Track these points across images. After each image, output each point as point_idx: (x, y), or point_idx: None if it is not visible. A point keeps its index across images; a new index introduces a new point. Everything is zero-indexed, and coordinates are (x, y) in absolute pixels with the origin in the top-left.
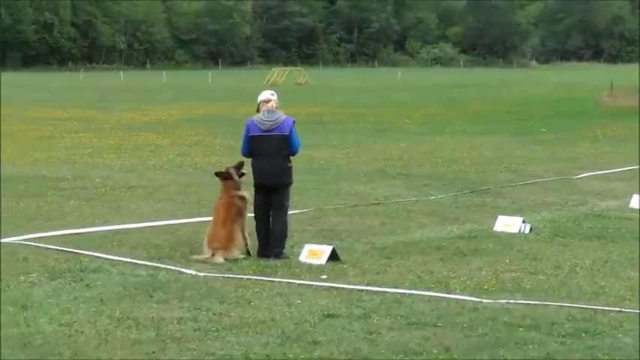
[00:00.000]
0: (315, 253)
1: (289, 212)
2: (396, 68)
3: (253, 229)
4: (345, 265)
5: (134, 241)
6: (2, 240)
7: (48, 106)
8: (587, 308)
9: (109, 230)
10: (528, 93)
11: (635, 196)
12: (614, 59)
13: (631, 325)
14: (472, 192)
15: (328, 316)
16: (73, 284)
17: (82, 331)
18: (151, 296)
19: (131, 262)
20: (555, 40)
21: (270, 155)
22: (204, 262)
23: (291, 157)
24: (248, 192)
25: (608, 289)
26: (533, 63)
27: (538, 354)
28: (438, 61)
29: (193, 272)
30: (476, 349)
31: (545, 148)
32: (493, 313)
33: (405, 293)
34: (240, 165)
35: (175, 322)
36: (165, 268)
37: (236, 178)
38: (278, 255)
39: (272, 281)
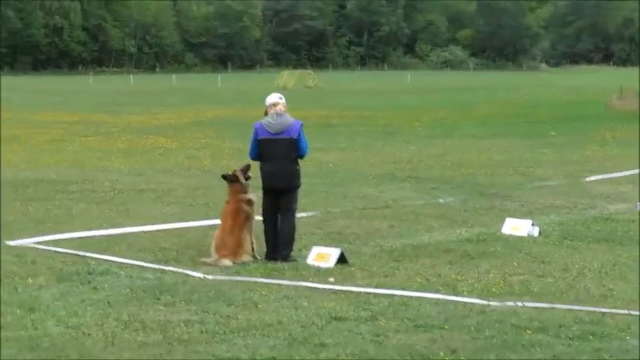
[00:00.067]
0: (323, 256)
1: (297, 215)
2: (405, 71)
3: (261, 232)
4: (352, 268)
5: (142, 244)
6: (11, 243)
7: (58, 109)
8: (594, 311)
9: (117, 233)
10: (538, 96)
11: None
12: (624, 62)
13: (638, 327)
14: (481, 195)
15: (335, 318)
16: (81, 287)
17: (89, 334)
18: (158, 299)
19: (139, 265)
20: (565, 43)
21: (279, 158)
22: (212, 264)
23: (299, 160)
24: (255, 195)
25: (616, 291)
26: (543, 66)
27: (545, 356)
28: (448, 64)
29: (201, 275)
30: (483, 352)
31: (555, 151)
32: (500, 315)
33: (412, 296)
34: (247, 168)
35: (182, 324)
36: (173, 271)
37: (243, 180)
38: (285, 258)
39: (279, 284)
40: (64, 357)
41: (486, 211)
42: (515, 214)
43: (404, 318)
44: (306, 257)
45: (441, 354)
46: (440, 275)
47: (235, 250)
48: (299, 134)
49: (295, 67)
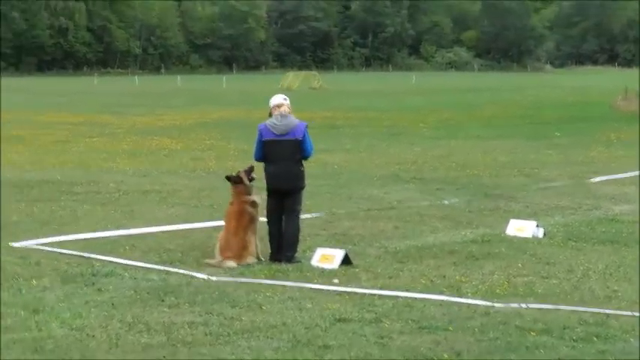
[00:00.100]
0: (327, 258)
1: (302, 216)
2: (410, 72)
3: (265, 234)
4: (357, 270)
5: (147, 246)
6: (15, 244)
7: (62, 110)
8: (599, 312)
9: (121, 235)
10: (543, 97)
11: None
12: (629, 63)
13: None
14: (486, 196)
15: (339, 320)
16: (85, 288)
17: (93, 336)
18: (163, 300)
19: (143, 267)
20: (570, 44)
21: (283, 160)
22: (216, 265)
23: (303, 162)
24: (259, 196)
25: (621, 293)
26: (548, 67)
27: (549, 358)
28: (453, 65)
29: (205, 276)
30: (487, 354)
31: (559, 152)
32: (505, 317)
33: (416, 297)
34: (251, 169)
35: (186, 326)
36: (177, 273)
37: (246, 182)
38: (290, 259)
39: (284, 285)
40: (68, 359)
41: (491, 212)
42: (519, 216)
43: (408, 320)
44: (310, 259)
45: (445, 356)
46: (444, 277)
47: (240, 253)
48: (304, 135)
49: (300, 68)
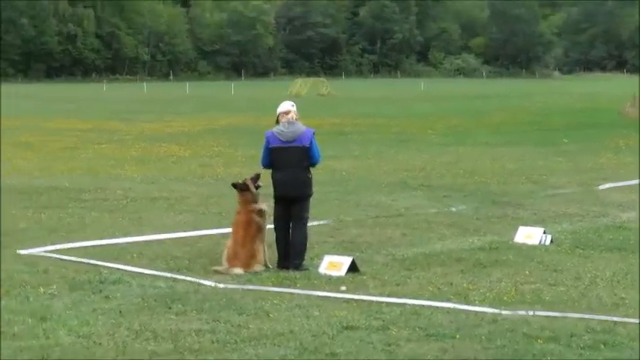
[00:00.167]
0: (334, 265)
1: (309, 223)
2: (418, 79)
3: (273, 241)
4: (364, 277)
5: (154, 253)
6: (23, 252)
7: (71, 117)
8: (606, 320)
9: (129, 242)
10: (551, 103)
11: None
12: (637, 69)
13: None
14: (493, 203)
15: (347, 327)
16: (93, 296)
17: (100, 343)
18: (170, 308)
19: (151, 274)
20: (578, 50)
21: (291, 167)
22: (223, 272)
23: (311, 169)
24: (266, 203)
25: (629, 300)
26: (556, 73)
27: None
28: (461, 72)
29: (212, 284)
30: None
31: (568, 159)
32: (512, 324)
33: (424, 305)
34: (257, 177)
35: (193, 333)
36: (185, 280)
37: (253, 190)
38: (297, 267)
39: (291, 293)
40: None
41: (499, 219)
42: (527, 223)
43: (415, 327)
44: (318, 266)
45: None
46: (452, 284)
47: (248, 262)
48: (311, 142)
49: (308, 74)
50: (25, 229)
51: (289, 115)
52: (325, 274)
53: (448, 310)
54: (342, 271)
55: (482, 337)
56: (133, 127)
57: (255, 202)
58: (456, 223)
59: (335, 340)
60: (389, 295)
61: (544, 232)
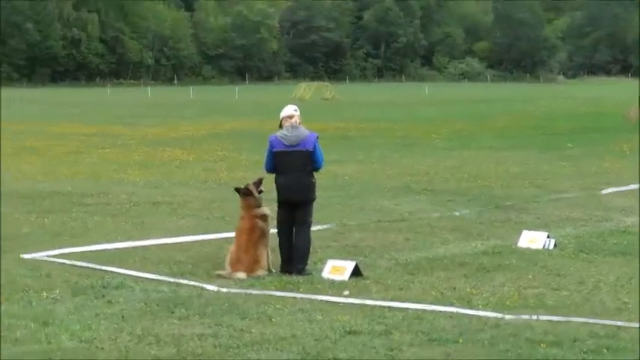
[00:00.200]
0: (337, 269)
1: (312, 228)
2: (423, 83)
3: (276, 245)
4: (367, 281)
5: (157, 258)
6: (26, 256)
7: (75, 121)
8: (609, 324)
9: (132, 246)
10: (555, 108)
11: None
12: None
13: None
14: (497, 207)
15: (349, 332)
16: (95, 301)
17: (102, 348)
18: (173, 312)
19: (153, 279)
20: (583, 54)
21: (294, 171)
22: (226, 277)
23: (314, 173)
24: (269, 208)
25: (632, 305)
26: (561, 78)
27: None
28: (465, 76)
29: (215, 288)
30: None
31: (572, 163)
32: (515, 329)
33: (427, 309)
34: (259, 182)
35: (196, 338)
36: (187, 284)
37: (256, 194)
38: (301, 271)
39: (294, 297)
40: None
41: (502, 223)
42: (531, 227)
43: (418, 332)
44: (321, 270)
45: None
46: (455, 288)
47: (251, 267)
48: (314, 146)
49: (312, 79)
50: (29, 234)
51: (292, 120)
52: (328, 279)
53: (451, 315)
54: (345, 276)
55: (485, 342)
56: (137, 131)
57: (259, 206)
58: (459, 228)
59: (337, 344)
60: (392, 300)
61: (547, 237)
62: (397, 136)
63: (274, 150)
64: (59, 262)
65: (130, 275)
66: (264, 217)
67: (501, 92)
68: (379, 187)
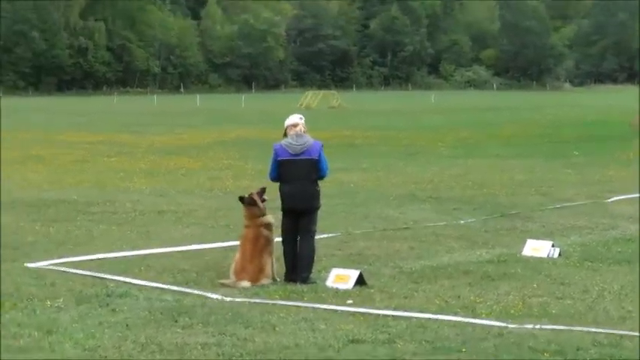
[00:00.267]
0: (342, 278)
1: (317, 236)
2: (429, 91)
3: (280, 254)
4: (372, 290)
5: (161, 266)
6: (31, 265)
7: (82, 130)
8: (613, 333)
9: (136, 255)
10: (562, 116)
11: None
12: None
13: None
14: (502, 216)
15: (353, 341)
16: (99, 309)
17: (106, 356)
18: (176, 321)
19: (158, 287)
20: (589, 62)
21: (299, 179)
22: (230, 286)
23: (319, 181)
24: (273, 216)
25: (636, 313)
26: (567, 86)
27: None
28: (472, 84)
29: (219, 297)
30: None
31: (577, 171)
32: (518, 338)
33: (430, 318)
34: (263, 191)
35: (199, 347)
36: (192, 293)
37: (260, 204)
38: (305, 280)
39: (298, 306)
40: None
41: (507, 232)
42: (536, 235)
43: (422, 340)
44: (325, 279)
45: None
46: (459, 297)
47: (256, 276)
48: (319, 155)
49: (319, 87)
50: (34, 242)
51: (297, 128)
52: (332, 287)
53: (455, 324)
54: (349, 284)
55: (489, 351)
56: (143, 139)
57: (263, 215)
58: (464, 236)
59: (341, 353)
60: (395, 309)
61: (552, 245)
62: (403, 144)
63: (279, 158)
64: (64, 271)
65: (134, 284)
66: (268, 226)
67: (508, 100)
68: (384, 195)
